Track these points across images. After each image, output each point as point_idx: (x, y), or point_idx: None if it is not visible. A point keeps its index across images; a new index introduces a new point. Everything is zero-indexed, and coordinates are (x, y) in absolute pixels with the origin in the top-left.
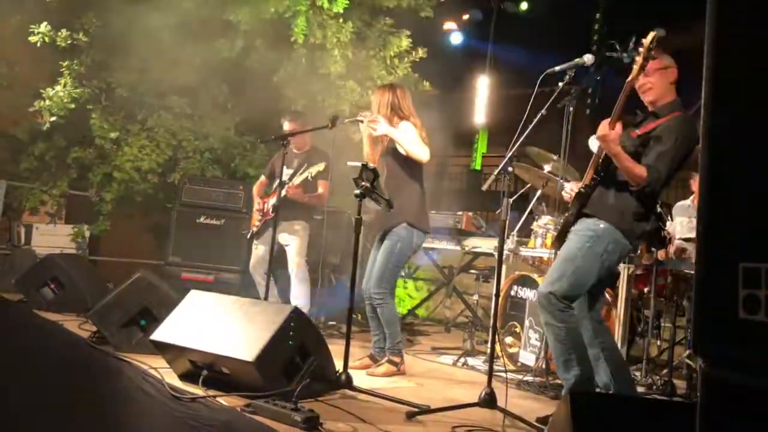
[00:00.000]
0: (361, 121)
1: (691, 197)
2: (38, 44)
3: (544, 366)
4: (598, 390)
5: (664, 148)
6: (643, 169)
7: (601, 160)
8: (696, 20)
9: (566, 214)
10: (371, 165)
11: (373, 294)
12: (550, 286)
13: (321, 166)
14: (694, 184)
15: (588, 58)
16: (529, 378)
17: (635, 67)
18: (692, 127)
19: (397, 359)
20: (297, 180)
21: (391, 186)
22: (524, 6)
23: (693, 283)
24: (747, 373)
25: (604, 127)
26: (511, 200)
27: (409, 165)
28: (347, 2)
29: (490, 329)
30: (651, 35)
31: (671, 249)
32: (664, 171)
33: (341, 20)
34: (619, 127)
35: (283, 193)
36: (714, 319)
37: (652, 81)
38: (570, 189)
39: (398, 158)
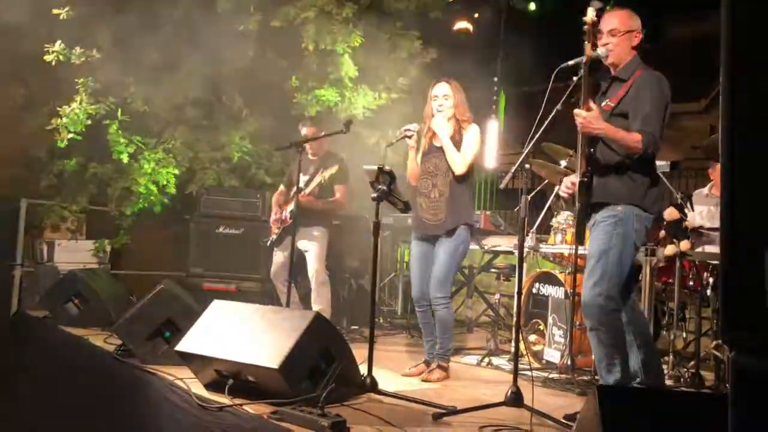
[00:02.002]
0: (409, 137)
1: (709, 185)
2: (53, 63)
3: (569, 362)
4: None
5: (645, 110)
6: (636, 135)
7: (590, 148)
8: (708, 10)
9: (576, 209)
10: (387, 168)
11: (437, 297)
12: (596, 288)
13: (334, 169)
14: (713, 172)
15: (601, 51)
16: (554, 375)
17: (586, 49)
18: (659, 80)
19: (446, 365)
20: (311, 186)
21: (448, 183)
22: (532, 6)
23: (719, 271)
24: None
25: (579, 113)
26: (529, 197)
27: (471, 165)
28: (355, 7)
29: (514, 328)
30: (590, 13)
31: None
32: (656, 131)
33: (350, 25)
34: (593, 106)
35: (298, 200)
36: (741, 307)
37: (614, 43)
38: (567, 185)
39: None
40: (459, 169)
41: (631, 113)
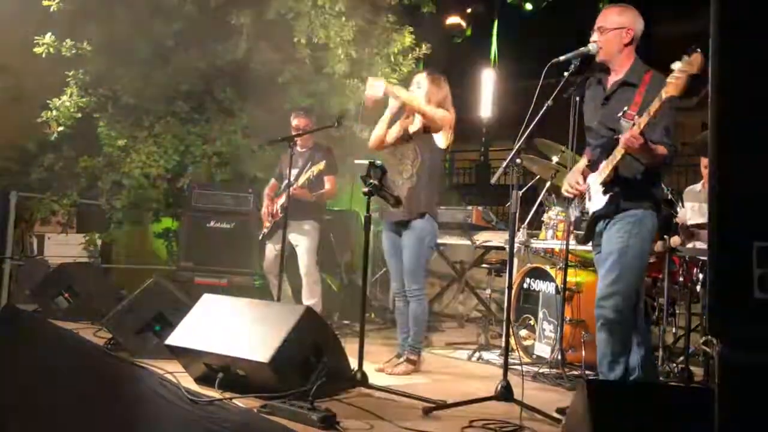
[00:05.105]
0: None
1: (702, 182)
2: (43, 55)
3: (559, 357)
4: None
5: (665, 122)
6: (662, 149)
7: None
8: (701, 6)
9: (592, 211)
10: (379, 162)
11: (412, 289)
12: (614, 286)
13: (321, 165)
14: (705, 168)
15: (593, 47)
16: (544, 370)
17: (677, 83)
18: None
19: (415, 358)
20: (301, 180)
21: (413, 173)
22: (528, 6)
23: (707, 264)
24: (765, 352)
25: (636, 135)
26: (520, 193)
27: (432, 151)
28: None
29: (504, 322)
30: (698, 60)
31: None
32: (676, 141)
33: (344, 19)
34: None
35: (289, 193)
36: (729, 300)
37: (603, 40)
38: (572, 184)
39: (425, 144)
40: (429, 113)
41: (651, 124)
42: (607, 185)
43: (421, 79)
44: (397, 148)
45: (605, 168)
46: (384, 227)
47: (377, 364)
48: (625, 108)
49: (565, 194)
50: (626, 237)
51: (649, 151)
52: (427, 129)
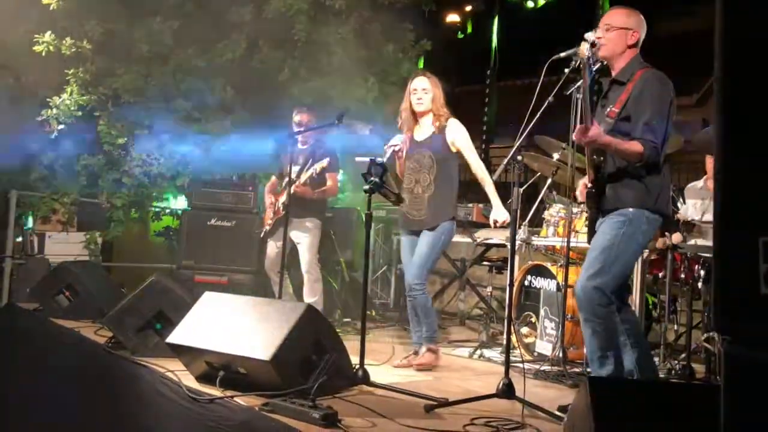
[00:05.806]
0: (397, 151)
1: (704, 178)
2: (43, 53)
3: (560, 355)
4: None
5: (645, 116)
6: (636, 144)
7: (598, 157)
8: (701, 4)
9: (589, 212)
10: (379, 160)
11: (414, 284)
12: (593, 281)
13: (324, 163)
14: (710, 163)
15: (594, 41)
16: (546, 367)
17: (583, 81)
18: (660, 80)
19: (435, 347)
20: (303, 177)
21: (430, 179)
22: (530, 4)
23: (712, 260)
24: None
25: (580, 130)
26: (521, 190)
27: (446, 154)
28: None
29: (505, 320)
30: (583, 48)
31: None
32: (657, 138)
33: (344, 16)
34: (595, 123)
35: (291, 190)
36: (734, 296)
37: (608, 37)
38: (581, 189)
39: (438, 149)
40: (489, 176)
41: (633, 118)
42: (592, 183)
43: (425, 85)
44: (413, 156)
45: (588, 172)
46: (402, 231)
47: (378, 361)
48: (610, 106)
49: (578, 196)
50: (613, 235)
51: (616, 147)
52: (439, 134)
